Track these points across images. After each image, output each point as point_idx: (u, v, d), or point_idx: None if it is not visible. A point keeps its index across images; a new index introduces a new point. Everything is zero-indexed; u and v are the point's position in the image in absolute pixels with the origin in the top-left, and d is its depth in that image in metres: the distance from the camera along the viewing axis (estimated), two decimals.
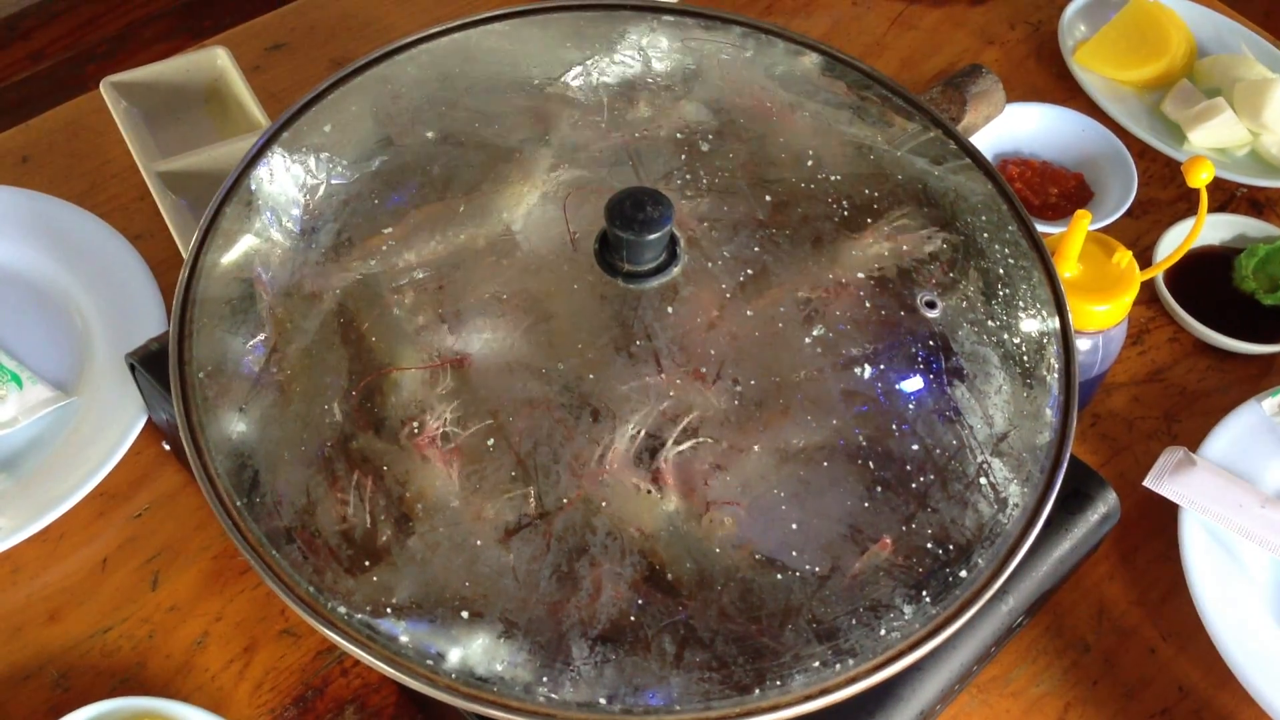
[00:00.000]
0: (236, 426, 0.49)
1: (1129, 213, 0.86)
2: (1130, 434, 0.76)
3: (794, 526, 0.47)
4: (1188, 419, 0.77)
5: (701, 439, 0.48)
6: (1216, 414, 0.74)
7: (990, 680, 0.65)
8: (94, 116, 0.87)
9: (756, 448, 0.48)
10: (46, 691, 0.62)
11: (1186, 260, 0.82)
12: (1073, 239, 0.65)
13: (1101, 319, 0.66)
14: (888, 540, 0.47)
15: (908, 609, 0.46)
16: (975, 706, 0.64)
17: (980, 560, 0.48)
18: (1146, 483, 0.70)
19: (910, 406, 0.50)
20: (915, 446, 0.49)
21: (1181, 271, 0.83)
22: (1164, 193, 0.89)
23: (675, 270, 0.51)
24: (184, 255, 0.54)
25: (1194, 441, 0.73)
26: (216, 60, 0.84)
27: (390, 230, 0.53)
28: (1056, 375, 0.53)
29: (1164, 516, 0.71)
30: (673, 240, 0.51)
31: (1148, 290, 0.83)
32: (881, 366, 0.50)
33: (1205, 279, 0.83)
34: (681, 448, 0.47)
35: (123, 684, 0.63)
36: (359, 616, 0.45)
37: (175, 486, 0.70)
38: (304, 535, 0.47)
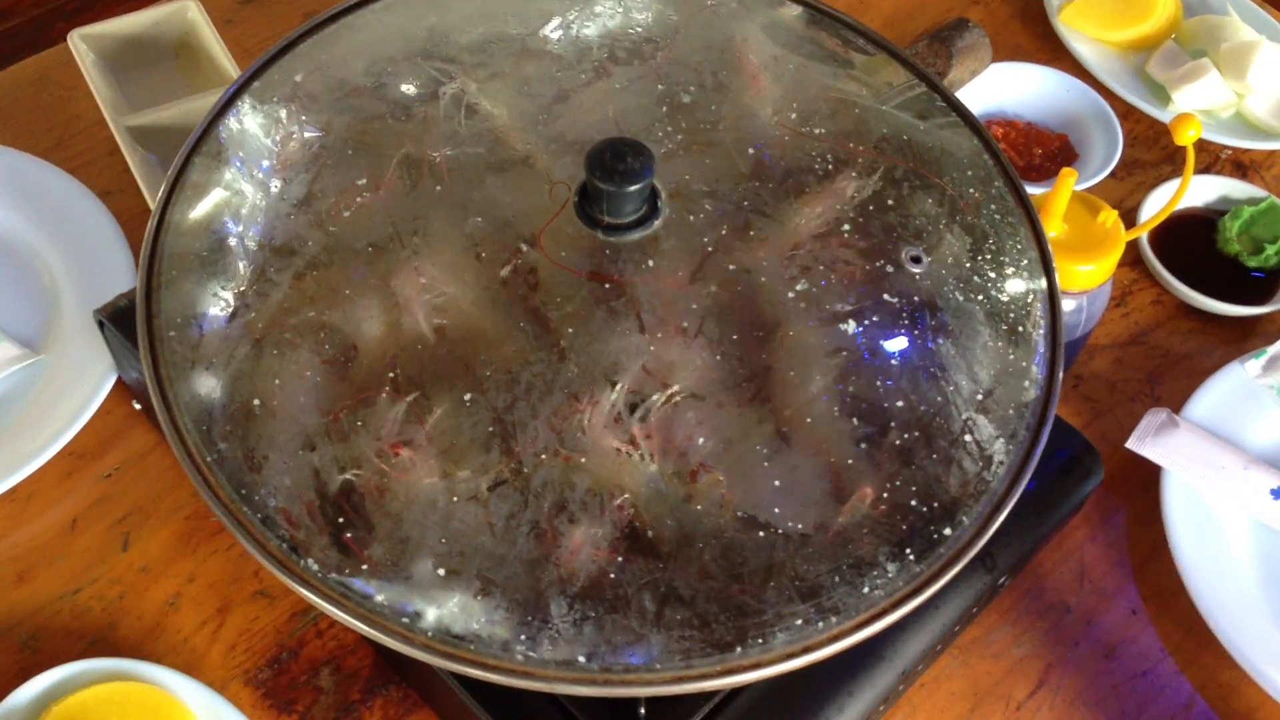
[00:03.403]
0: (207, 382, 0.48)
1: (1113, 174, 0.85)
2: (1113, 396, 0.76)
3: (776, 484, 0.46)
4: (1170, 381, 0.77)
5: (682, 395, 0.47)
6: (1199, 376, 0.74)
7: (971, 641, 0.65)
8: (62, 70, 0.85)
9: (738, 404, 0.47)
10: (15, 653, 0.61)
11: (1170, 222, 0.82)
12: (1058, 198, 0.64)
13: (1086, 279, 0.66)
14: (868, 490, 0.46)
15: (891, 567, 0.46)
16: (956, 668, 0.64)
17: (964, 518, 0.47)
18: (1129, 444, 0.70)
19: (894, 363, 0.49)
20: (900, 403, 0.48)
21: (1165, 234, 0.82)
22: (1148, 154, 0.89)
23: (656, 223, 0.50)
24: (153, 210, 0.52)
25: (1177, 403, 0.73)
26: (187, 13, 0.82)
27: (364, 181, 0.51)
28: (1042, 332, 0.52)
29: (1146, 478, 0.71)
30: (654, 193, 0.50)
31: (1131, 252, 0.82)
32: (866, 322, 0.49)
33: (1189, 241, 0.83)
34: (662, 404, 0.47)
35: (93, 645, 0.62)
36: (333, 575, 0.44)
37: (146, 446, 0.69)
38: (277, 492, 0.46)
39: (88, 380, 0.69)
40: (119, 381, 0.69)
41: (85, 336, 0.70)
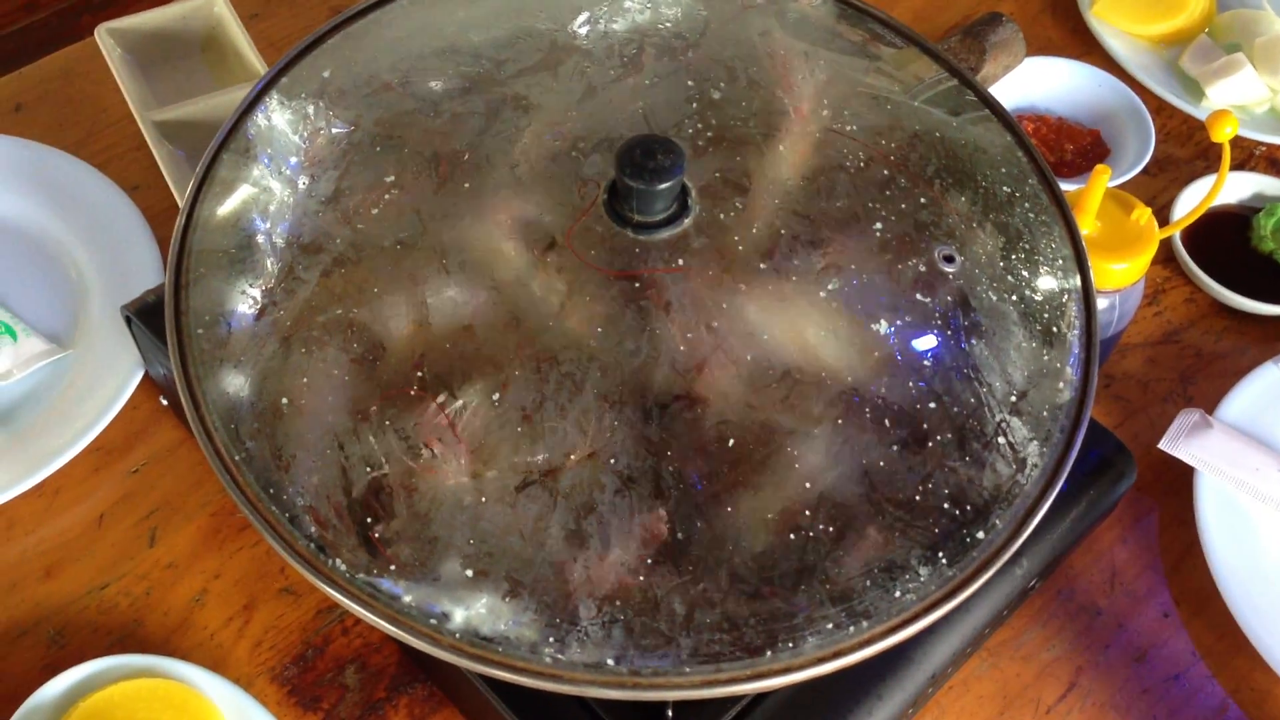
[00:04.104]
0: (235, 380, 0.48)
1: (1145, 170, 0.84)
2: (1145, 396, 0.75)
3: (807, 485, 0.46)
4: (1204, 381, 0.76)
5: (712, 395, 0.46)
6: (1233, 376, 0.73)
7: (1001, 644, 0.64)
8: (89, 64, 0.85)
9: (769, 404, 0.47)
10: (42, 648, 0.62)
11: (1203, 220, 0.81)
12: (1092, 195, 0.63)
13: (1119, 277, 0.65)
14: (900, 493, 0.46)
15: (923, 570, 0.45)
16: (985, 670, 0.63)
17: (998, 521, 0.46)
18: (1162, 445, 0.69)
19: (927, 363, 0.48)
20: (932, 404, 0.48)
21: (1198, 231, 0.81)
22: (1181, 150, 0.88)
23: (686, 222, 0.49)
24: (180, 205, 0.52)
25: (1210, 404, 0.72)
26: (214, 8, 0.82)
27: (392, 179, 0.51)
28: (1077, 333, 0.51)
29: (1178, 480, 0.70)
30: (684, 190, 0.50)
31: (1164, 250, 0.81)
32: (898, 322, 0.49)
33: (1222, 239, 0.82)
34: (692, 404, 0.46)
35: (119, 642, 0.62)
36: (360, 575, 0.44)
37: (173, 442, 0.69)
38: (304, 491, 0.45)
39: (115, 376, 0.69)
40: (146, 377, 0.69)
41: (112, 332, 0.70)
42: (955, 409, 0.48)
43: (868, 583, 0.45)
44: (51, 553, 0.65)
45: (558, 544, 0.44)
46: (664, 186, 0.47)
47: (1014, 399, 0.49)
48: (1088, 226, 0.64)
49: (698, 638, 0.43)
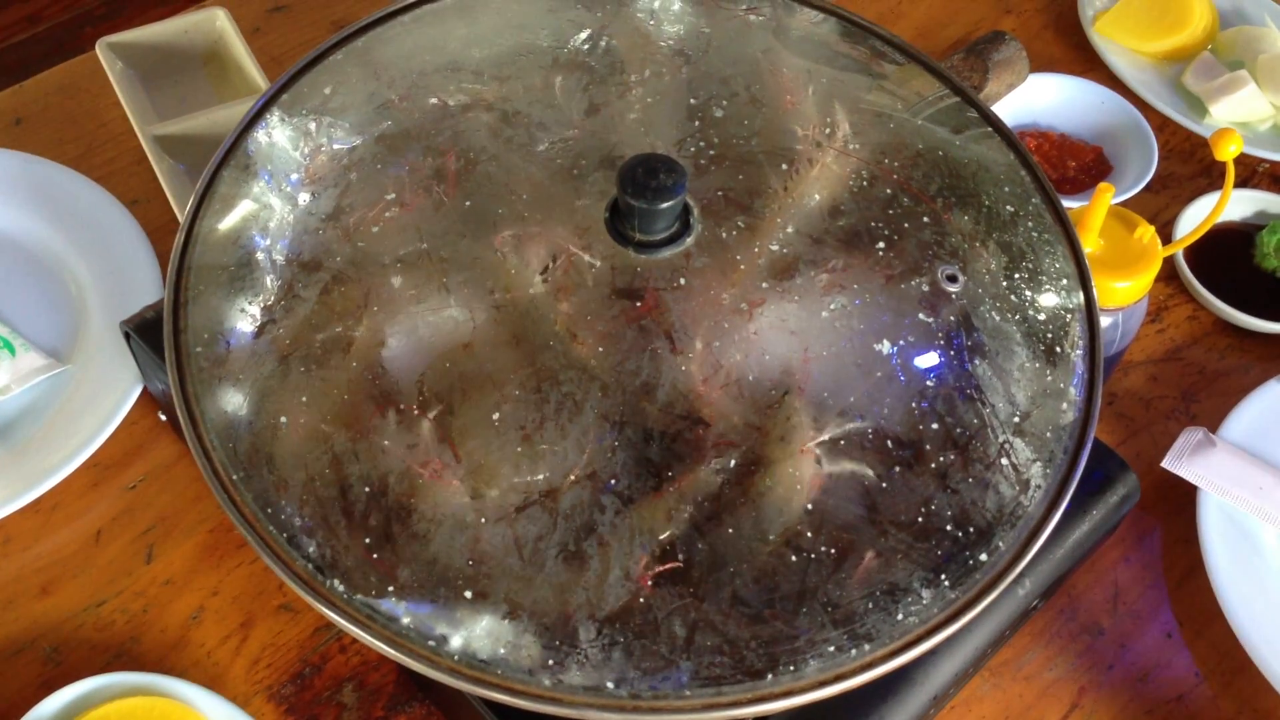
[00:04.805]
0: (233, 398, 0.48)
1: (1148, 187, 0.84)
2: (1148, 414, 0.75)
3: (809, 508, 0.45)
4: (1207, 399, 0.75)
5: (714, 415, 0.46)
6: (1236, 394, 0.73)
7: (1003, 664, 0.64)
8: (90, 78, 0.85)
9: (770, 426, 0.46)
10: (38, 666, 0.61)
11: (1206, 237, 0.80)
12: (1095, 213, 0.63)
13: (1122, 296, 0.65)
14: (903, 514, 0.45)
15: (926, 593, 0.45)
16: (988, 690, 0.63)
17: (1001, 543, 0.46)
18: (1165, 464, 0.69)
19: (930, 384, 0.48)
20: (935, 425, 0.47)
21: (1201, 248, 0.81)
22: (1184, 167, 0.87)
23: (688, 240, 0.49)
24: (181, 221, 0.52)
25: (1213, 422, 0.72)
26: (216, 22, 0.82)
27: (393, 196, 0.51)
28: (1080, 352, 0.51)
29: (1181, 498, 0.70)
30: (686, 209, 0.50)
31: (1167, 267, 0.81)
32: (901, 342, 0.48)
33: (1225, 256, 0.82)
34: (694, 424, 0.46)
35: (116, 659, 0.61)
36: (359, 596, 0.44)
37: (171, 458, 0.69)
38: (302, 511, 0.45)
39: (113, 391, 0.68)
40: (144, 392, 0.69)
41: (111, 347, 0.70)
42: (958, 430, 0.48)
43: (870, 605, 0.44)
44: (48, 569, 0.64)
45: (557, 565, 0.43)
46: (666, 205, 0.47)
47: (1017, 419, 0.49)
48: (1091, 244, 0.64)
49: (698, 660, 0.43)
